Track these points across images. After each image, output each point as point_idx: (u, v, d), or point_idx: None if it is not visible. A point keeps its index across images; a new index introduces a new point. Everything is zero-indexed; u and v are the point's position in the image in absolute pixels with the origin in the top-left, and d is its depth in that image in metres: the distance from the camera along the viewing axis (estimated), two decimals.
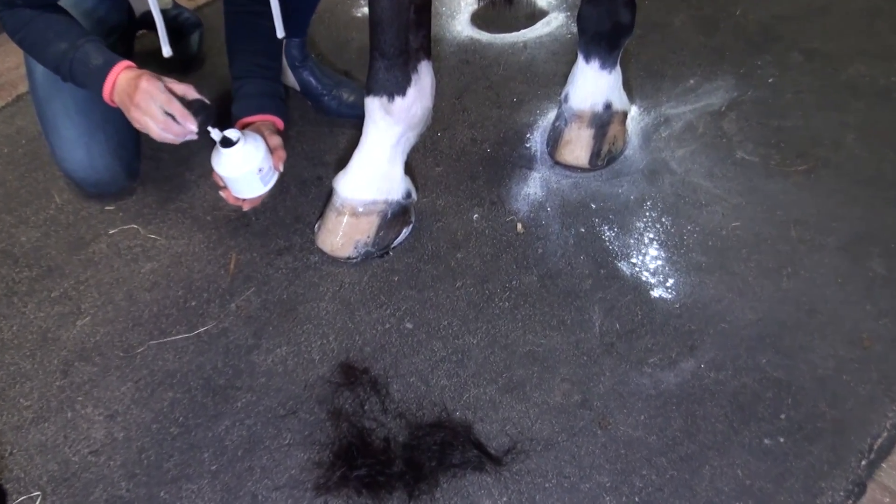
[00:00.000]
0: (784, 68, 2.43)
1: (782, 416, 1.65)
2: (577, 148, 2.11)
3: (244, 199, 1.82)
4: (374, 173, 1.87)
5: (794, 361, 1.73)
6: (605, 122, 2.10)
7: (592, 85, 2.08)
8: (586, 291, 1.88)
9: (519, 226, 2.02)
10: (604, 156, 2.13)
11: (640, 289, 1.88)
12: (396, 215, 1.93)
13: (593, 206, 2.07)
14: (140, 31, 2.39)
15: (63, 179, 2.12)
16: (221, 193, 1.83)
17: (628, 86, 2.26)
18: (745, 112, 2.30)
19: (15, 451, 1.62)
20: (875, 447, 1.60)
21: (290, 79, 2.30)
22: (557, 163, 2.16)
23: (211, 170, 1.76)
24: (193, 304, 1.86)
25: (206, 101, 1.66)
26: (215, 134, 1.67)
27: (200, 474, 1.58)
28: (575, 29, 2.51)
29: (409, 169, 1.99)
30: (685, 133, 2.24)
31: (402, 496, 1.52)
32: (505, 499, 1.53)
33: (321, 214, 1.98)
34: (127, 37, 2.15)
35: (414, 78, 1.76)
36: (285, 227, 2.03)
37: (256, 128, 1.82)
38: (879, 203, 2.04)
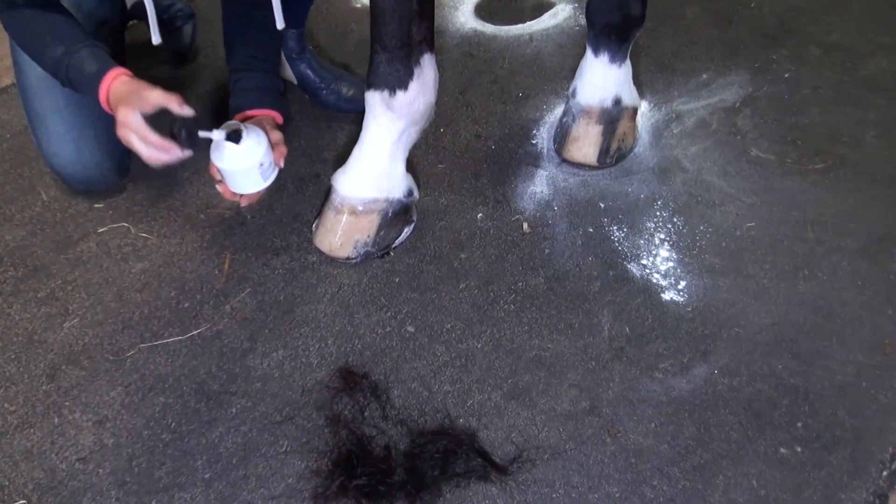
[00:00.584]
0: (801, 63, 2.44)
1: (799, 425, 1.64)
2: (586, 145, 2.12)
3: (242, 195, 1.83)
4: (374, 170, 1.87)
5: (812, 367, 1.73)
6: (614, 118, 2.10)
7: (601, 79, 2.08)
8: (595, 294, 1.88)
9: (525, 225, 2.02)
10: (613, 153, 2.13)
11: (651, 291, 1.88)
12: (397, 214, 1.93)
13: (602, 205, 2.07)
14: (131, 22, 2.40)
15: (50, 176, 2.12)
16: (218, 188, 1.84)
17: (638, 80, 2.27)
18: (761, 108, 2.30)
19: None
20: None
21: (288, 72, 2.31)
22: (565, 160, 2.16)
23: (208, 163, 1.77)
24: (186, 305, 1.86)
25: (190, 115, 1.65)
26: (216, 133, 1.68)
27: (193, 483, 1.57)
28: (583, 21, 2.53)
29: (411, 166, 1.99)
30: (698, 130, 2.25)
31: None
32: None
33: (319, 213, 1.98)
34: (118, 29, 2.15)
35: (416, 72, 1.76)
36: (282, 226, 2.03)
37: (257, 122, 1.83)
38: None
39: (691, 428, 1.64)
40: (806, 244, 1.96)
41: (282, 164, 1.83)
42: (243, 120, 1.85)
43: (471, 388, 1.71)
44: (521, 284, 1.90)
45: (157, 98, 1.63)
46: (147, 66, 2.27)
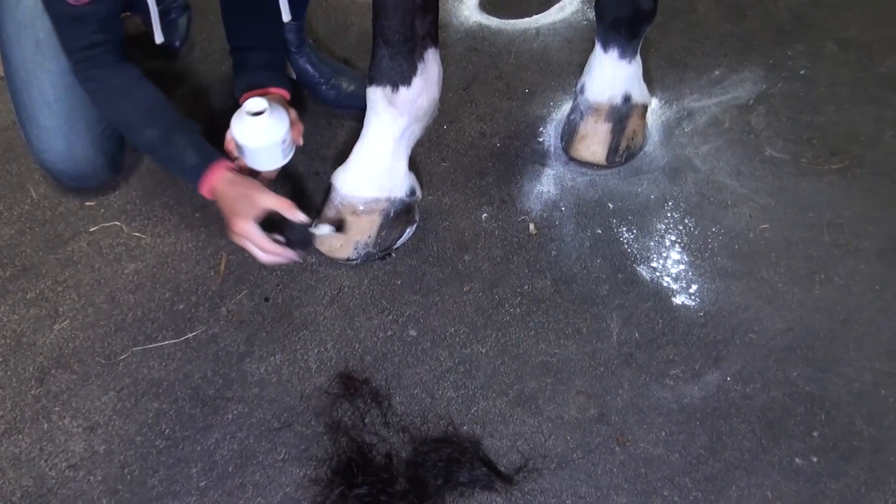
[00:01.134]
0: (817, 59, 2.43)
1: (815, 434, 1.65)
2: (594, 143, 2.11)
3: (260, 172, 1.86)
4: (375, 169, 1.87)
5: (828, 375, 1.73)
6: (623, 115, 2.11)
7: (610, 76, 2.08)
8: (603, 298, 1.88)
9: (531, 226, 2.02)
10: (622, 152, 2.13)
11: (662, 295, 1.88)
12: (399, 214, 1.93)
13: (611, 205, 2.07)
14: (123, 14, 2.39)
15: (40, 172, 2.12)
16: (235, 164, 1.85)
17: (649, 77, 2.26)
18: (775, 106, 2.30)
19: None
20: None
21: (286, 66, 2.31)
22: (572, 159, 2.16)
23: (222, 139, 1.79)
24: (181, 307, 1.86)
25: (304, 221, 1.73)
26: (252, 103, 1.73)
27: (188, 491, 1.58)
28: (591, 15, 2.53)
29: (414, 164, 1.99)
30: (710, 128, 2.25)
31: None
32: None
33: (319, 213, 1.97)
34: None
35: (420, 67, 1.76)
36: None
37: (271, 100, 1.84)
38: None
39: (703, 437, 1.65)
40: (822, 247, 1.96)
41: (301, 142, 1.87)
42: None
43: (475, 395, 1.71)
44: (527, 287, 1.90)
45: (270, 203, 1.70)
46: (140, 59, 2.26)
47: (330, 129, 2.25)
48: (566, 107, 2.28)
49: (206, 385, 1.73)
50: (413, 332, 1.82)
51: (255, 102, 1.74)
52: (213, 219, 2.02)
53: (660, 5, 2.02)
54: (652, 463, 1.61)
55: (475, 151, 2.20)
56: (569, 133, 2.16)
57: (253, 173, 1.85)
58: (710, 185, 2.10)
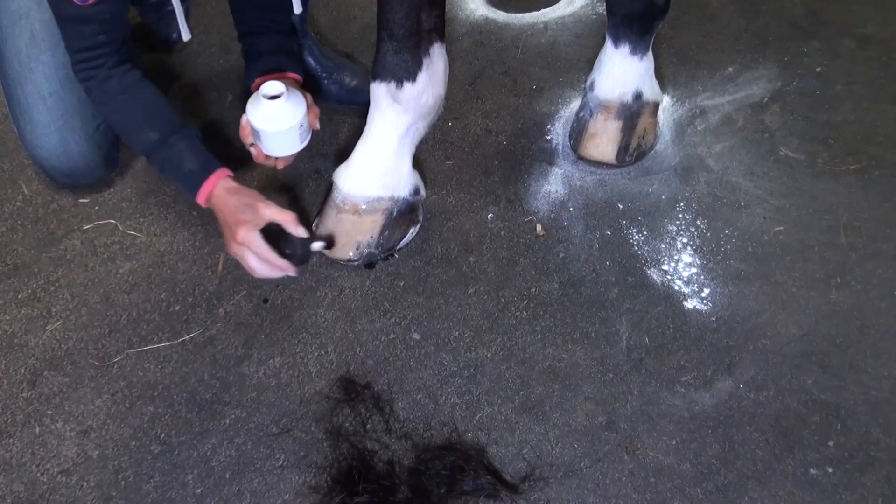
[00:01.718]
0: (834, 56, 2.43)
1: (830, 443, 1.64)
2: (604, 142, 2.11)
3: (277, 158, 1.88)
4: (378, 167, 1.87)
5: (844, 382, 1.73)
6: (634, 113, 2.10)
7: (621, 72, 2.08)
8: (612, 301, 1.88)
9: (538, 227, 2.02)
10: (632, 151, 2.13)
11: (673, 299, 1.88)
12: (403, 214, 1.93)
13: (620, 206, 2.07)
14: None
15: (32, 168, 2.12)
16: (252, 150, 1.88)
17: (660, 73, 2.26)
18: (790, 104, 2.30)
19: None
20: None
21: None
22: (581, 158, 2.16)
23: (237, 123, 1.82)
24: (177, 308, 1.87)
25: (304, 236, 1.75)
26: (269, 86, 1.76)
27: (184, 498, 1.58)
28: (602, 9, 2.53)
29: (418, 162, 1.99)
30: (723, 127, 2.24)
31: None
32: None
33: (319, 212, 1.98)
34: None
35: (425, 62, 1.76)
36: None
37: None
38: None
39: (715, 446, 1.64)
40: (838, 250, 1.96)
41: (317, 126, 1.89)
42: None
43: (480, 401, 1.71)
44: (533, 290, 1.90)
45: (273, 215, 1.71)
46: (136, 52, 2.26)
47: (331, 126, 2.25)
48: (575, 104, 2.28)
49: (203, 389, 1.73)
50: (416, 336, 1.82)
51: (271, 85, 1.77)
52: (211, 218, 2.02)
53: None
54: (662, 472, 1.61)
55: (481, 149, 2.20)
56: (578, 131, 2.16)
57: (270, 160, 1.88)
58: (723, 186, 2.10)
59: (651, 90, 2.13)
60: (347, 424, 1.67)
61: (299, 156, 2.00)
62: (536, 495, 1.57)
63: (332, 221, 1.91)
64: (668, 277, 1.92)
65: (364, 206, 1.89)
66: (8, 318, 1.85)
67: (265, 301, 1.87)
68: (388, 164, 1.87)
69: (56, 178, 2.04)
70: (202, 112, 2.26)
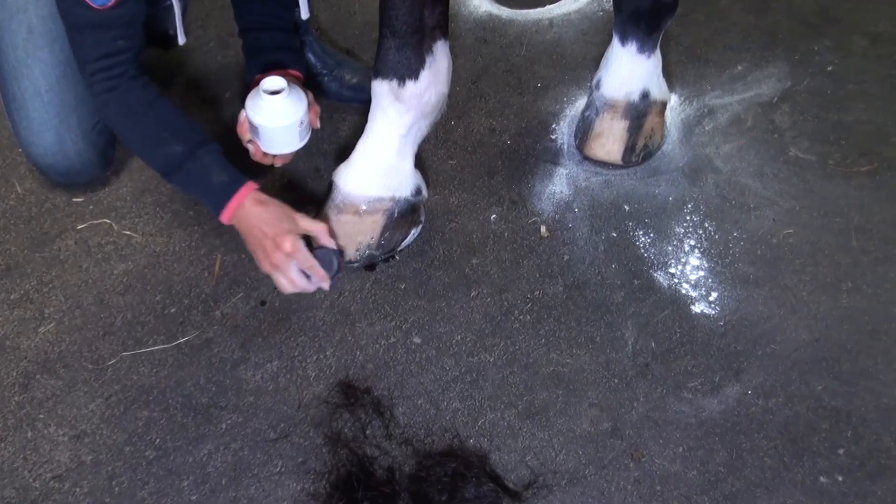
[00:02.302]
0: (845, 54, 2.44)
1: (841, 451, 1.65)
2: (610, 141, 2.12)
3: (276, 156, 1.88)
4: (380, 166, 1.88)
5: (855, 389, 1.73)
6: (641, 112, 2.11)
7: (628, 71, 2.08)
8: (618, 305, 1.88)
9: (542, 229, 2.02)
10: (639, 151, 2.13)
11: (680, 303, 1.88)
12: (404, 214, 1.93)
13: (627, 207, 2.07)
14: None
15: (26, 166, 2.12)
16: (249, 147, 1.87)
17: (668, 72, 2.26)
18: (801, 104, 2.30)
19: None
20: None
21: None
22: (587, 158, 2.16)
23: (235, 121, 1.82)
24: (173, 310, 1.87)
25: (335, 247, 1.78)
26: (270, 81, 1.76)
27: None
28: (608, 5, 2.53)
29: (419, 162, 2.00)
30: (732, 127, 2.25)
31: None
32: None
33: (319, 212, 1.98)
34: None
35: (428, 60, 1.77)
36: None
37: None
38: None
39: (722, 453, 1.65)
40: (849, 253, 1.96)
41: (318, 125, 1.89)
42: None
43: (482, 406, 1.72)
44: (537, 293, 1.90)
45: (308, 226, 1.73)
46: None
47: (331, 124, 2.25)
48: (581, 103, 2.28)
49: (199, 393, 1.73)
50: (417, 340, 1.82)
51: (272, 81, 1.77)
52: (208, 217, 2.02)
53: None
54: (668, 480, 1.61)
55: (484, 149, 2.21)
56: (583, 130, 2.16)
57: (269, 158, 1.88)
58: (732, 187, 2.10)
59: (658, 89, 2.13)
60: (347, 430, 1.67)
61: (298, 154, 2.01)
62: (540, 503, 1.57)
63: (331, 222, 1.91)
64: (675, 281, 1.92)
65: (364, 207, 1.89)
66: (0, 319, 1.86)
67: (263, 303, 1.88)
68: (389, 164, 1.88)
69: (51, 176, 2.04)
70: (199, 109, 2.26)
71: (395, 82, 1.77)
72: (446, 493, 1.57)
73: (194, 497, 1.59)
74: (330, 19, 2.55)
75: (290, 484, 1.60)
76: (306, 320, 1.85)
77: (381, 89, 1.80)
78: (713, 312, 1.86)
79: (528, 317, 1.86)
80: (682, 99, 2.32)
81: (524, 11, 2.59)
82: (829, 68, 2.39)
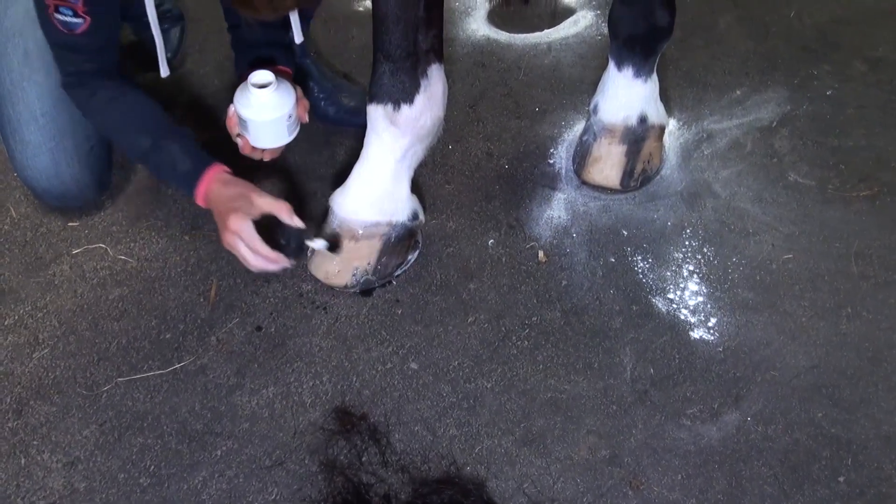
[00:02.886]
0: (844, 79, 2.46)
1: (841, 479, 1.65)
2: (608, 166, 2.13)
3: (264, 150, 1.90)
4: (376, 191, 1.89)
5: (855, 416, 1.74)
6: (639, 137, 2.13)
7: (625, 95, 2.10)
8: (616, 331, 1.89)
9: (540, 254, 2.04)
10: (637, 176, 2.15)
11: (678, 329, 1.89)
12: (401, 239, 1.95)
13: (625, 232, 2.08)
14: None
15: (21, 190, 2.14)
16: (238, 141, 1.90)
17: (666, 96, 2.29)
18: (800, 128, 2.32)
19: None
20: None
21: None
22: (585, 182, 2.18)
23: (224, 115, 1.84)
24: (168, 336, 1.88)
25: (300, 226, 1.76)
26: (258, 75, 1.78)
27: None
28: (605, 30, 2.54)
29: (416, 186, 2.01)
30: (731, 151, 2.27)
31: None
32: None
33: (316, 236, 1.99)
34: None
35: (423, 84, 1.79)
36: None
37: None
38: None
39: (722, 481, 1.65)
40: (849, 279, 1.97)
41: (306, 119, 1.91)
42: None
43: (479, 433, 1.72)
44: (535, 319, 1.91)
45: (267, 206, 1.73)
46: (130, 72, 2.28)
47: (329, 148, 2.27)
48: (578, 127, 2.30)
49: (194, 419, 1.74)
50: (414, 366, 1.83)
51: (260, 74, 1.79)
52: (204, 242, 2.04)
53: (679, 20, 2.05)
54: None
55: (482, 173, 2.22)
56: (581, 155, 2.18)
57: (257, 152, 1.90)
58: (731, 212, 2.12)
59: (656, 113, 2.16)
60: (342, 457, 1.68)
61: (296, 178, 2.03)
62: None
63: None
64: (674, 306, 1.93)
65: (361, 232, 1.90)
66: None
67: (259, 329, 1.89)
68: (385, 189, 1.89)
69: (46, 200, 2.05)
70: (196, 131, 2.27)
71: (389, 107, 1.79)
72: None
73: None
74: (327, 44, 2.58)
75: None
76: (302, 346, 1.86)
77: (377, 114, 1.82)
78: (712, 338, 1.87)
79: (526, 342, 1.87)
80: (681, 123, 2.34)
81: (522, 35, 2.62)
82: (829, 93, 2.41)
